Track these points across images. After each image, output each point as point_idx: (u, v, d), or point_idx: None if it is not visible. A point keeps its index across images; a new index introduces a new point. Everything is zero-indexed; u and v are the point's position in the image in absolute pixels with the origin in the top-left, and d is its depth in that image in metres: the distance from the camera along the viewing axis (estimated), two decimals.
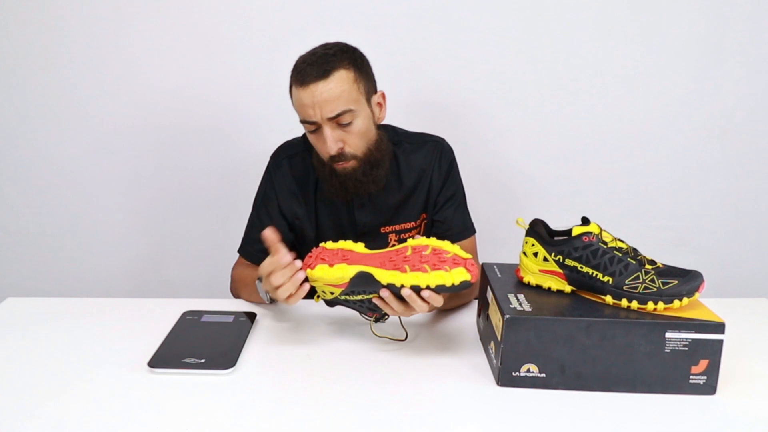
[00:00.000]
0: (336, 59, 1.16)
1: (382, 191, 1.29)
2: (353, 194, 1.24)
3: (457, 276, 0.92)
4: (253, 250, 1.30)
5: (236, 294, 1.28)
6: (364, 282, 0.97)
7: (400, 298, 0.97)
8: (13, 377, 0.92)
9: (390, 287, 0.95)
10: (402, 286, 0.94)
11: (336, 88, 1.14)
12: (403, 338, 1.05)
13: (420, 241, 0.98)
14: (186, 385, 0.91)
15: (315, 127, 1.17)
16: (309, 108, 1.15)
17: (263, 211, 1.31)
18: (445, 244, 0.96)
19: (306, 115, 1.16)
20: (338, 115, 1.15)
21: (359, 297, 0.99)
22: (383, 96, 1.26)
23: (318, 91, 1.13)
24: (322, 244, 1.03)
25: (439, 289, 0.94)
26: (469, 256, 0.96)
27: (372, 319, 1.03)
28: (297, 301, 1.02)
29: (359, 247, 1.02)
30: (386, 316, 1.02)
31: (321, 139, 1.18)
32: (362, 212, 1.30)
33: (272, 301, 1.14)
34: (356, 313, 1.08)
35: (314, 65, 1.15)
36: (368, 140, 1.21)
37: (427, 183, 1.32)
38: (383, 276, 0.95)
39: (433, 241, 0.97)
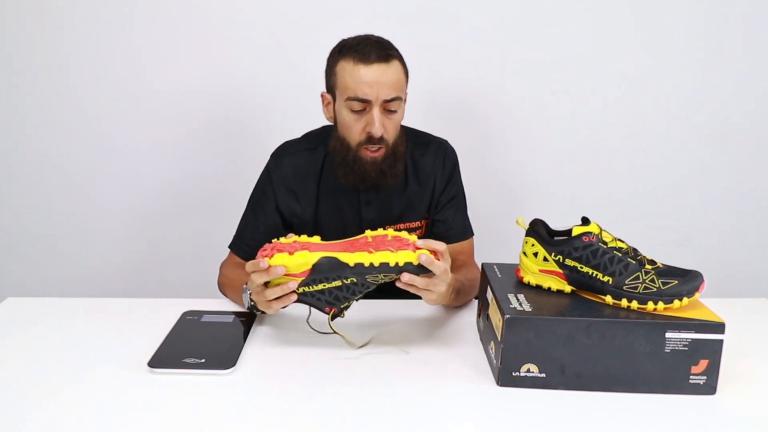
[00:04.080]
0: (392, 49, 1.21)
1: (389, 189, 1.29)
2: (372, 183, 1.24)
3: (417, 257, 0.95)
4: (245, 248, 1.30)
5: (222, 291, 1.27)
6: (328, 267, 0.95)
7: (388, 289, 0.99)
8: (13, 377, 0.92)
9: (358, 267, 0.94)
10: (371, 264, 0.94)
11: (395, 74, 1.18)
12: (357, 346, 1.02)
13: (378, 232, 1.00)
14: (186, 385, 0.91)
15: (363, 106, 1.18)
16: (367, 86, 1.16)
17: (259, 208, 1.31)
18: (404, 234, 0.99)
19: (362, 93, 1.16)
20: (392, 100, 1.18)
21: (320, 286, 0.96)
22: (405, 97, 1.29)
23: (381, 71, 1.16)
24: (275, 240, 1.00)
25: (408, 267, 0.94)
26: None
27: (330, 314, 1.00)
28: (277, 309, 1.01)
29: (316, 239, 1.01)
30: (344, 312, 1.01)
31: (364, 120, 1.19)
32: (369, 209, 1.30)
33: (253, 309, 1.10)
34: (354, 313, 1.08)
35: (375, 47, 1.18)
36: (398, 133, 1.24)
37: (431, 183, 1.33)
38: (349, 258, 0.95)
39: (392, 232, 0.99)
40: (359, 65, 1.16)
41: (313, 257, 0.95)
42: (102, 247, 1.93)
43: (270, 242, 1.00)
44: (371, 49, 1.17)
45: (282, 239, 1.00)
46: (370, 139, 1.19)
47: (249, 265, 0.98)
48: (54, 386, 0.90)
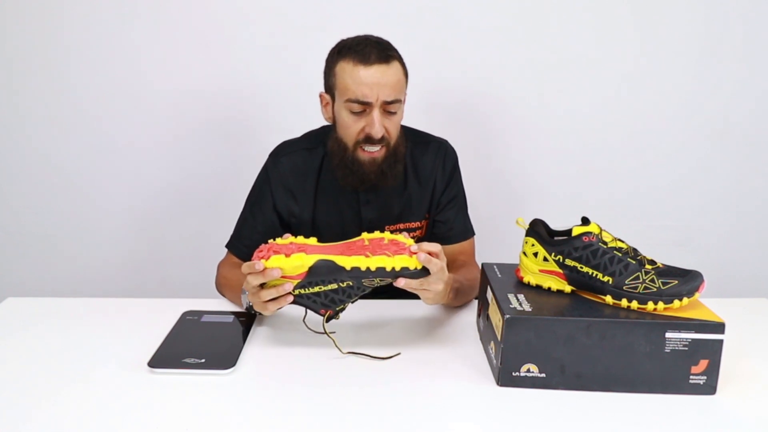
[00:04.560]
0: (392, 49, 1.20)
1: (389, 188, 1.29)
2: (371, 184, 1.24)
3: (417, 262, 0.95)
4: (242, 247, 1.30)
5: (220, 291, 1.27)
6: (325, 270, 0.95)
7: (386, 291, 0.98)
8: (13, 377, 0.92)
9: (354, 271, 0.94)
10: (368, 268, 0.94)
11: (395, 75, 1.17)
12: (345, 351, 1.01)
13: (375, 234, 0.99)
14: (186, 385, 0.91)
15: (363, 108, 1.17)
16: (367, 87, 1.15)
17: (256, 208, 1.31)
18: (400, 237, 0.98)
19: (362, 95, 1.16)
20: (392, 102, 1.17)
21: (316, 289, 0.97)
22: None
23: (381, 72, 1.15)
24: (271, 241, 1.00)
25: (404, 272, 0.95)
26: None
27: (325, 316, 1.00)
28: (273, 310, 1.00)
29: (313, 241, 1.00)
30: (339, 314, 1.01)
31: (364, 121, 1.18)
32: (368, 208, 1.30)
33: (250, 309, 1.10)
34: (354, 313, 1.08)
35: (375, 48, 1.17)
36: (398, 134, 1.24)
37: (431, 184, 1.33)
38: (346, 261, 0.95)
39: (389, 235, 0.99)
40: (359, 66, 1.15)
41: (310, 260, 0.95)
42: (102, 247, 1.93)
43: (266, 242, 1.00)
44: (371, 50, 1.16)
45: (278, 240, 1.00)
46: (368, 139, 1.19)
47: (245, 267, 0.98)
48: (54, 386, 0.90)
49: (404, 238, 0.99)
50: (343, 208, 1.31)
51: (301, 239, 1.01)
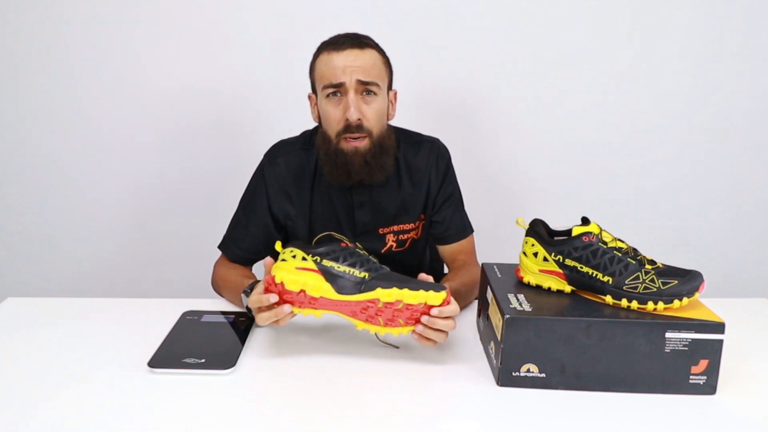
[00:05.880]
0: (369, 40, 1.22)
1: (382, 190, 1.28)
2: (360, 179, 1.22)
3: None
4: (235, 249, 1.30)
5: (217, 291, 1.26)
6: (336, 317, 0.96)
7: None
8: (13, 377, 0.92)
9: (364, 330, 0.97)
10: (376, 333, 0.96)
11: (369, 60, 1.18)
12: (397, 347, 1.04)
13: (391, 295, 0.92)
14: (186, 385, 0.91)
15: (338, 91, 1.18)
16: (340, 70, 1.16)
17: (250, 209, 1.30)
18: (417, 297, 0.92)
19: (334, 78, 1.16)
20: (367, 83, 1.17)
21: None
22: (395, 96, 1.28)
23: (353, 55, 1.17)
24: (279, 281, 0.93)
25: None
26: (441, 299, 0.93)
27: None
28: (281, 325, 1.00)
29: (327, 290, 0.93)
30: None
31: (341, 106, 1.18)
32: (362, 212, 1.29)
33: (250, 310, 1.08)
34: None
35: (350, 38, 1.19)
36: (382, 125, 1.23)
37: (425, 184, 1.32)
38: (357, 323, 0.96)
39: (406, 296, 0.92)
40: (332, 54, 1.18)
41: (320, 314, 0.96)
42: (102, 247, 1.93)
43: (273, 282, 0.94)
44: (345, 39, 1.19)
45: (287, 282, 0.93)
46: (349, 127, 1.18)
47: (256, 300, 0.97)
48: (54, 386, 0.90)
49: (421, 297, 0.92)
50: (338, 210, 1.30)
51: (310, 285, 0.93)
